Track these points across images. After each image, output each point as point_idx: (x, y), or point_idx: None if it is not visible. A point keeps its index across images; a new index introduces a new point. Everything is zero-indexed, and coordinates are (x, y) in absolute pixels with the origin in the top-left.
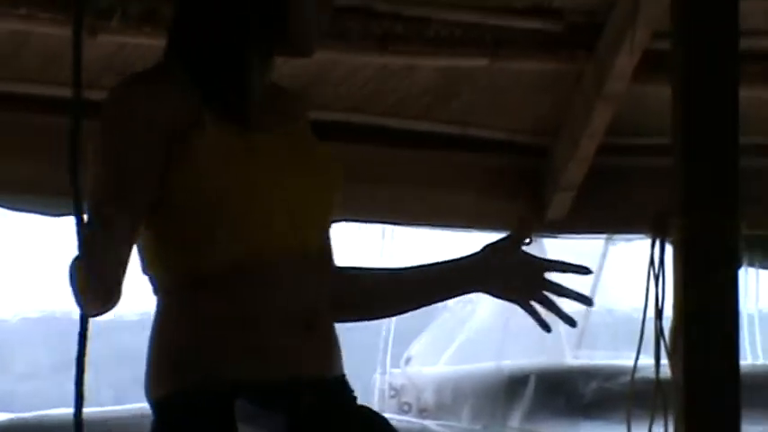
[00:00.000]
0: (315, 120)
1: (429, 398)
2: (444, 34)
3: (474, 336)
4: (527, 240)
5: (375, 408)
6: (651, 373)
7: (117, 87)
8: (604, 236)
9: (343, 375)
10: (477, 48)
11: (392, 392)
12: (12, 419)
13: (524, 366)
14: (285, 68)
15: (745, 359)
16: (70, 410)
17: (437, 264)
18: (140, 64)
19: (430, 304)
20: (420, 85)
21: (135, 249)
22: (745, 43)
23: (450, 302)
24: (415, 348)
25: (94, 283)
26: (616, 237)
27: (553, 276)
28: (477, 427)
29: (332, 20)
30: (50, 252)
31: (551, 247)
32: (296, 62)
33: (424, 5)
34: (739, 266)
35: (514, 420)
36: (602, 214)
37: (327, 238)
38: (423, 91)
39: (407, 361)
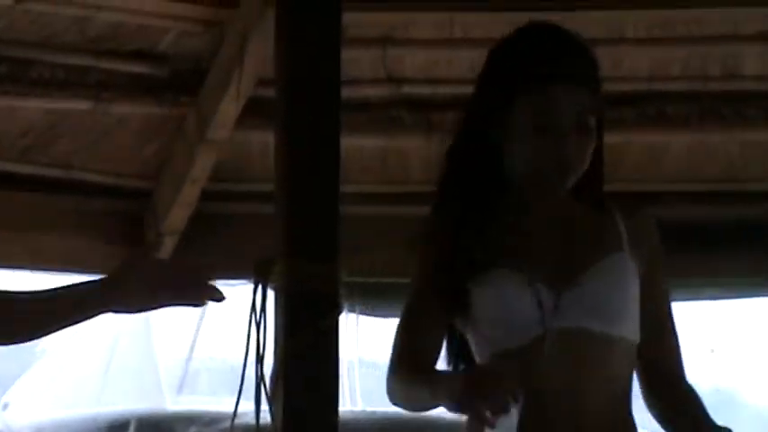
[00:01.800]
0: None
1: None
2: (47, 76)
3: (74, 381)
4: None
5: None
6: (252, 419)
7: None
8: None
9: None
10: (81, 91)
11: None
12: None
13: (124, 412)
14: None
15: (345, 406)
16: None
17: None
18: None
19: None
20: (21, 127)
21: None
22: (347, 92)
23: (50, 346)
24: (13, 394)
25: None
26: (219, 282)
27: None
28: None
29: None
30: None
31: None
32: None
33: (28, 47)
34: (340, 313)
35: None
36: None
37: None
38: (23, 133)
39: (5, 407)
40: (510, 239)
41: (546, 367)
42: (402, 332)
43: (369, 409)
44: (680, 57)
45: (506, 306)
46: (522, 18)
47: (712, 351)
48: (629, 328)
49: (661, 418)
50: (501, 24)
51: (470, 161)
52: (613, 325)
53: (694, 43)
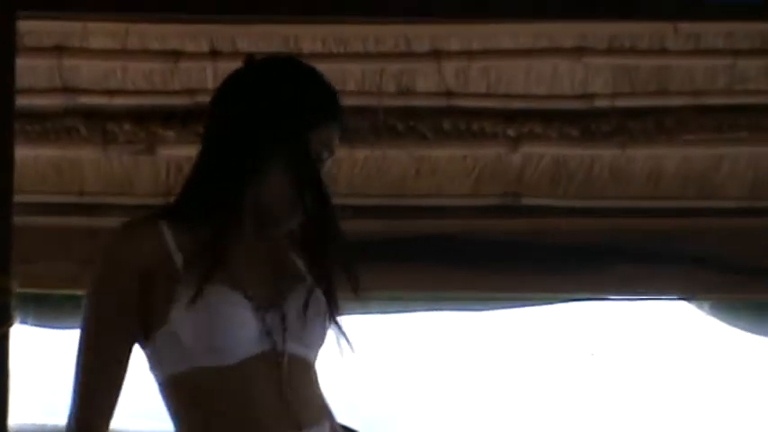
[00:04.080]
0: None
1: None
2: None
3: None
4: None
5: None
6: None
7: None
8: None
9: None
10: None
11: None
12: None
13: None
14: None
15: (15, 419)
16: None
17: None
18: None
19: None
20: None
21: None
22: (22, 101)
23: None
24: None
25: None
26: None
27: None
28: None
29: None
30: None
31: None
32: None
33: None
34: (12, 324)
35: None
36: None
37: None
38: None
39: None
40: (231, 260)
41: (260, 391)
42: (85, 366)
43: (39, 422)
44: (355, 72)
45: (225, 322)
46: (200, 30)
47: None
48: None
49: None
50: (176, 35)
51: (225, 179)
52: (312, 351)
53: (369, 59)
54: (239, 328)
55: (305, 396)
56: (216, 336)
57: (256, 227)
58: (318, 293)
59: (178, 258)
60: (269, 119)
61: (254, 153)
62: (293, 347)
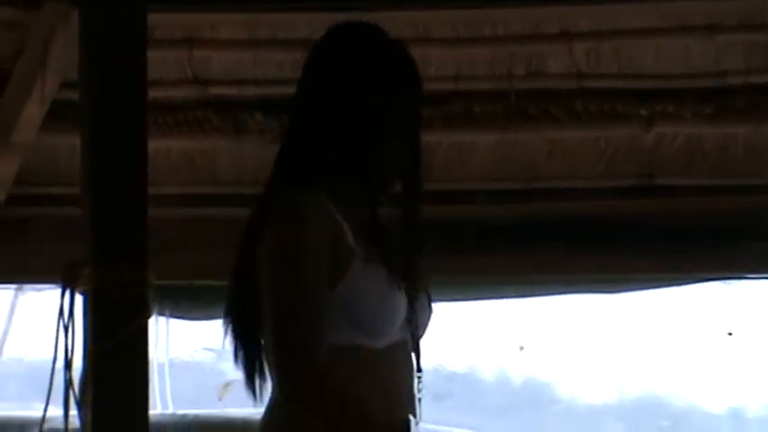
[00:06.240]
0: None
1: None
2: None
3: None
4: None
5: None
6: (61, 424)
7: None
8: (14, 286)
9: None
10: None
11: None
12: None
13: None
14: None
15: (155, 408)
16: None
17: None
18: None
19: None
20: None
21: None
22: (153, 93)
23: None
24: None
25: None
26: (26, 287)
27: None
28: None
29: None
30: None
31: None
32: None
33: None
34: (149, 316)
35: None
36: (10, 264)
37: None
38: None
39: None
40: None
41: (397, 374)
42: (304, 316)
43: (179, 411)
44: (485, 56)
45: (385, 302)
46: (327, 19)
47: (521, 349)
48: None
49: None
50: (305, 24)
51: (344, 153)
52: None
53: (499, 43)
54: (395, 313)
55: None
56: (376, 318)
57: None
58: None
59: (350, 235)
60: (370, 81)
61: (365, 119)
62: (419, 335)
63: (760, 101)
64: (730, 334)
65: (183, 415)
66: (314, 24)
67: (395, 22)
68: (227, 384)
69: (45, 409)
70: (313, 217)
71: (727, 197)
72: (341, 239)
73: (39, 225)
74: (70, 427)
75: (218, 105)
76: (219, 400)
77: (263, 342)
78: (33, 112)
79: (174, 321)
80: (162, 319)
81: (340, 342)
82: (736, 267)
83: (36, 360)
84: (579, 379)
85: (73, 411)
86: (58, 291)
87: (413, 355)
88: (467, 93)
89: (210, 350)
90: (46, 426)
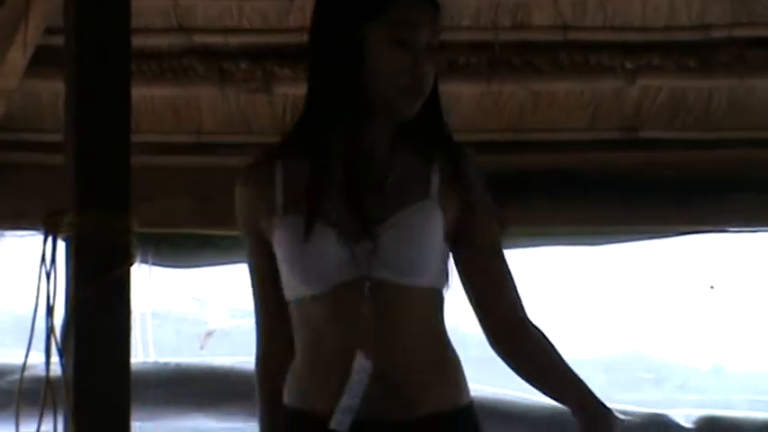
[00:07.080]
0: None
1: None
2: None
3: None
4: None
5: None
6: (42, 371)
7: None
8: None
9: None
10: None
11: None
12: None
13: None
14: None
15: (137, 357)
16: None
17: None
18: None
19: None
20: None
21: None
22: (138, 41)
23: None
24: None
25: None
26: (7, 232)
27: None
28: None
29: None
30: None
31: None
32: None
33: None
34: (132, 264)
35: None
36: None
37: None
38: None
39: None
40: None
41: (348, 314)
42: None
43: (161, 360)
44: (470, 7)
45: (311, 252)
46: None
47: (712, 287)
48: (426, 278)
49: (509, 363)
50: None
51: (333, 94)
52: (404, 276)
53: None
54: (323, 257)
55: (396, 321)
56: (304, 266)
57: (380, 128)
58: (433, 213)
59: (279, 198)
60: (330, 23)
61: (342, 58)
62: (382, 273)
63: (744, 55)
64: (712, 287)
65: (165, 363)
66: None
67: None
68: (209, 333)
69: (26, 356)
70: (240, 206)
71: (710, 151)
72: (272, 204)
73: (21, 171)
74: (51, 373)
75: (203, 54)
76: (201, 348)
77: None
78: (17, 57)
79: (156, 270)
80: (145, 268)
81: (287, 297)
82: (718, 221)
83: (17, 307)
84: (561, 332)
85: (54, 358)
86: (41, 237)
87: (374, 292)
88: (451, 44)
89: (193, 299)
90: (27, 372)
